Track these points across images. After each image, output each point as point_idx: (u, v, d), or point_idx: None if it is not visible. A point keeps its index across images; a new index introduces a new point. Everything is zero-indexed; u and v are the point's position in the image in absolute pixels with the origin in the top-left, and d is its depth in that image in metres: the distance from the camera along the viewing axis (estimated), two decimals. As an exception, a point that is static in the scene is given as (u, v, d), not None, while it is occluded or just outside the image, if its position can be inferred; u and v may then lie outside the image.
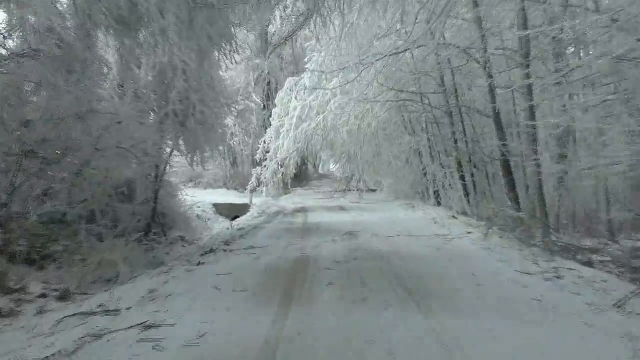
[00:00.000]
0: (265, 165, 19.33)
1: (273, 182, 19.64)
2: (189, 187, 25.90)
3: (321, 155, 55.11)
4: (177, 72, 9.08)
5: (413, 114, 17.36)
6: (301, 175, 38.10)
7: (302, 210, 15.46)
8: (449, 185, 15.98)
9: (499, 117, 12.84)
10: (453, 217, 12.64)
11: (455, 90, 14.35)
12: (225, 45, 8.07)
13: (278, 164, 18.65)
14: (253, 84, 26.28)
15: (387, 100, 15.18)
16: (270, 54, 27.35)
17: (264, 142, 20.96)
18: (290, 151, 18.27)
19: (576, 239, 9.07)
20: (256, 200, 18.48)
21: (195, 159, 10.26)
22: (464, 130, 14.50)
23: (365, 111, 16.51)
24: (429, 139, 16.94)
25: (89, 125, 7.32)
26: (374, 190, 21.94)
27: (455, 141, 15.50)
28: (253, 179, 20.92)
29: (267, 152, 20.42)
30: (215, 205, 15.98)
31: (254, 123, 25.52)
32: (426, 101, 16.16)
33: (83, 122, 7.19)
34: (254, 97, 25.73)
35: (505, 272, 6.13)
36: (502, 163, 12.67)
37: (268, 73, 27.22)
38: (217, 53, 8.34)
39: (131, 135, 7.77)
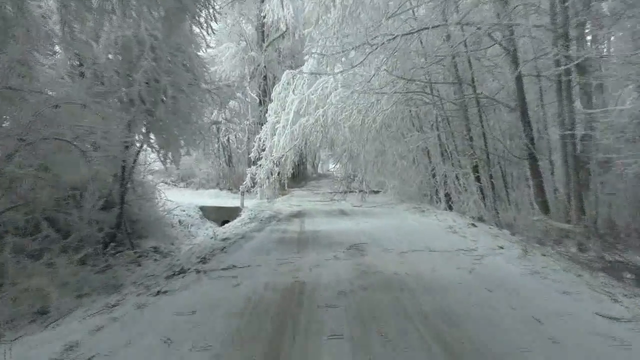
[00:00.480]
0: (260, 165, 17.52)
1: (268, 182, 17.83)
2: (180, 187, 24.11)
3: (320, 155, 53.35)
4: (145, 49, 7.25)
5: (423, 107, 15.56)
6: (299, 176, 36.27)
7: (299, 215, 13.64)
8: (463, 187, 14.19)
9: (527, 110, 11.06)
10: (472, 224, 10.83)
11: (473, 80, 12.54)
12: (200, 10, 6.24)
13: (273, 163, 16.83)
14: (248, 78, 24.44)
15: (394, 92, 13.36)
16: (267, 46, 25.54)
17: (259, 140, 19.15)
18: (287, 149, 16.45)
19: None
20: (249, 202, 16.65)
21: (169, 156, 8.41)
22: (482, 125, 12.70)
23: (369, 105, 14.69)
24: (439, 137, 15.15)
25: (19, 108, 5.50)
26: (376, 192, 20.08)
27: (471, 139, 13.72)
28: (247, 179, 19.15)
29: (263, 150, 18.61)
30: (202, 208, 14.17)
31: (250, 120, 23.68)
32: (436, 93, 14.37)
33: (9, 104, 5.37)
34: (249, 91, 23.89)
35: (580, 314, 4.30)
36: (530, 163, 10.89)
37: (265, 67, 25.39)
38: (189, 22, 6.51)
39: (76, 124, 5.92)
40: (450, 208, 14.91)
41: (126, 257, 8.13)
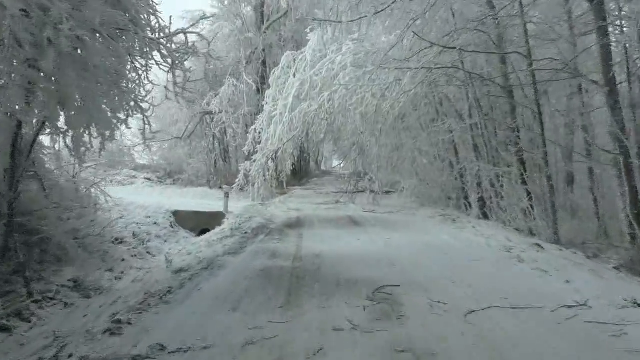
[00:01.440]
0: (254, 160, 14.33)
1: (264, 180, 14.64)
2: (167, 184, 20.96)
3: (323, 151, 50.04)
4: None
5: (451, 89, 12.34)
6: (301, 173, 33.00)
7: (297, 224, 10.42)
8: (505, 191, 10.95)
9: (614, 88, 7.81)
10: (537, 245, 7.58)
11: (529, 53, 9.26)
12: None
13: (268, 157, 13.61)
14: (245, 62, 21.21)
15: (421, 66, 10.08)
16: (267, 28, 22.30)
17: (254, 131, 15.93)
18: (284, 140, 13.21)
19: None
20: (240, 205, 13.47)
21: (82, 140, 5.17)
22: (538, 110, 9.43)
23: (387, 86, 11.44)
24: (473, 126, 11.90)
25: None
26: (388, 193, 16.84)
27: (517, 129, 10.49)
28: (240, 176, 16.01)
29: (258, 143, 15.40)
30: (175, 214, 10.97)
31: (245, 109, 20.46)
32: (471, 69, 11.12)
33: None
34: (246, 77, 20.67)
35: None
36: (622, 161, 7.64)
37: (263, 51, 22.16)
38: None
39: None
40: (485, 216, 11.69)
41: (12, 302, 4.95)
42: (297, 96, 13.51)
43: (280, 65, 15.87)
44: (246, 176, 15.55)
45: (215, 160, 21.55)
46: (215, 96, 20.10)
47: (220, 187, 19.64)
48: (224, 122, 20.09)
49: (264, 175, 14.91)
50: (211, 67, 22.53)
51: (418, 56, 10.05)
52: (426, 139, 13.97)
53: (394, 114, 11.80)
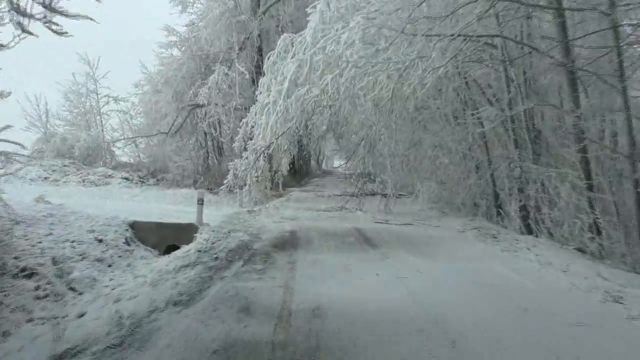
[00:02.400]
0: (246, 157, 11.63)
1: (255, 181, 11.99)
2: (149, 185, 18.27)
3: (325, 150, 47.27)
4: None
5: (483, 68, 9.69)
6: (300, 172, 30.25)
7: (290, 242, 7.65)
8: (562, 199, 8.27)
9: None
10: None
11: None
12: None
13: (258, 154, 10.90)
14: (237, 48, 18.47)
15: (458, 34, 7.35)
16: (264, 12, 19.58)
17: (246, 125, 13.23)
18: (279, 133, 10.50)
19: None
20: (222, 213, 10.80)
21: None
22: (623, 91, 6.72)
23: (408, 65, 8.72)
24: (514, 118, 9.23)
25: None
26: (399, 197, 14.10)
27: (580, 117, 7.78)
28: (230, 176, 13.32)
29: (250, 139, 12.73)
30: (134, 226, 8.28)
31: (237, 100, 17.75)
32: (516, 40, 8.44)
33: None
34: (238, 66, 17.95)
35: None
36: None
37: (259, 37, 19.44)
38: None
39: None
40: (529, 230, 9.03)
41: None
42: (293, 81, 10.76)
43: (276, 50, 13.14)
44: (236, 176, 12.88)
45: (204, 158, 18.86)
46: (203, 86, 17.40)
47: (209, 189, 17.00)
48: (212, 116, 17.37)
49: (256, 176, 12.33)
50: (198, 53, 19.97)
51: (453, 18, 7.36)
52: (450, 133, 11.29)
53: (416, 100, 9.08)
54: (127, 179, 16.86)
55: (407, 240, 7.83)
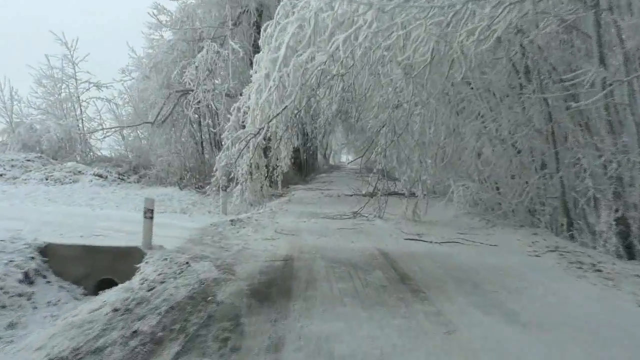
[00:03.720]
0: (227, 148, 8.64)
1: (249, 180, 9.11)
2: (129, 182, 15.36)
3: (332, 143, 44.10)
4: None
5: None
6: (306, 167, 27.21)
7: (281, 284, 4.52)
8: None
9: None
10: None
11: None
12: None
13: (244, 144, 7.91)
14: (231, 23, 15.46)
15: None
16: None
17: (237, 110, 10.26)
18: (270, 116, 7.49)
19: None
20: (196, 225, 7.87)
21: None
22: None
23: (458, 12, 5.68)
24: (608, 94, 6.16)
25: None
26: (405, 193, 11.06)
27: None
28: (218, 174, 10.46)
29: (243, 126, 9.77)
30: (49, 252, 5.37)
31: (230, 83, 14.76)
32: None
33: None
34: (231, 42, 14.93)
35: None
36: None
37: (257, 10, 16.44)
38: None
39: None
40: (630, 253, 6.05)
41: None
42: (292, 47, 7.72)
43: (274, 19, 10.10)
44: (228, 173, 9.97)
45: (196, 152, 15.93)
46: (189, 65, 14.43)
47: (198, 188, 14.09)
48: (200, 102, 14.39)
49: (249, 172, 9.47)
50: (191, 33, 16.99)
51: None
52: (501, 117, 8.25)
53: (469, 64, 6.03)
54: (100, 175, 13.96)
55: (466, 278, 4.81)
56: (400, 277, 4.82)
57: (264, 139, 9.46)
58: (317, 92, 7.38)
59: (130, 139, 19.02)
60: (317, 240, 6.93)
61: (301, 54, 7.26)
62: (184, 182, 14.38)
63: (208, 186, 10.52)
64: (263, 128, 7.48)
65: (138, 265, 5.12)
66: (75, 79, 18.07)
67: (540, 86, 7.62)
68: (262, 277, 4.77)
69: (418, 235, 7.41)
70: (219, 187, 9.11)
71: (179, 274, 4.71)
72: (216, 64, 14.62)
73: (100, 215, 7.79)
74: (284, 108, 7.32)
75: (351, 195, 14.26)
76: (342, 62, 6.91)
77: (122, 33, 20.74)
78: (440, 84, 6.78)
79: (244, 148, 7.74)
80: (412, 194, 9.33)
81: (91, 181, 13.50)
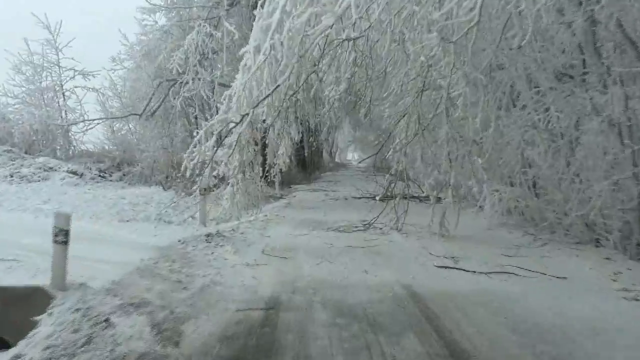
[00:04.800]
0: (198, 140, 6.69)
1: (242, 179, 7.32)
2: (112, 180, 13.49)
3: (338, 140, 42.05)
4: None
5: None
6: (311, 165, 25.31)
7: None
8: None
9: None
10: None
11: None
12: None
13: (221, 137, 5.99)
14: (226, 3, 13.48)
15: None
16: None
17: (229, 99, 8.33)
18: (258, 98, 5.57)
19: None
20: (157, 240, 5.97)
21: None
22: None
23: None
24: None
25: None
26: (431, 200, 9.06)
27: None
28: (205, 175, 8.59)
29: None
30: None
31: (224, 70, 12.81)
32: None
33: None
34: (227, 24, 12.97)
35: None
36: None
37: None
38: None
39: None
40: None
41: None
42: (289, 12, 5.77)
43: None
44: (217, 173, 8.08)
45: (182, 147, 14.01)
46: (178, 49, 12.50)
47: (185, 188, 12.17)
48: (188, 90, 12.47)
49: (244, 173, 7.67)
50: (180, 10, 15.10)
51: None
52: (562, 104, 6.27)
53: (527, 28, 4.07)
54: (74, 173, 12.09)
55: (559, 356, 2.88)
56: (450, 354, 2.87)
57: (260, 132, 7.64)
58: (320, 67, 5.43)
59: (122, 132, 17.18)
60: (318, 267, 4.98)
61: (300, 15, 5.34)
62: (169, 181, 12.47)
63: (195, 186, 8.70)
64: (247, 115, 5.54)
65: (39, 318, 3.23)
66: (59, 66, 16.20)
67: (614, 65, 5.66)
68: (224, 352, 2.84)
69: (453, 260, 5.45)
70: (199, 189, 7.21)
71: (84, 345, 2.79)
72: (209, 48, 12.68)
73: (36, 227, 5.88)
74: (276, 87, 5.37)
75: (359, 198, 12.34)
76: (354, 24, 4.96)
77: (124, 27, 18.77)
78: (488, 56, 4.81)
79: (221, 140, 5.82)
80: (438, 200, 7.36)
81: (63, 179, 11.64)
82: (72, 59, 16.39)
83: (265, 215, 9.12)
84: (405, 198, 7.42)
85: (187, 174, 5.64)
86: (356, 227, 7.60)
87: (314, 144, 19.00)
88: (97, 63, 19.62)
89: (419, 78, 5.42)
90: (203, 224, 7.29)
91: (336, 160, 46.79)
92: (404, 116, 6.37)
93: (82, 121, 14.60)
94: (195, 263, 4.82)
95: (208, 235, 6.14)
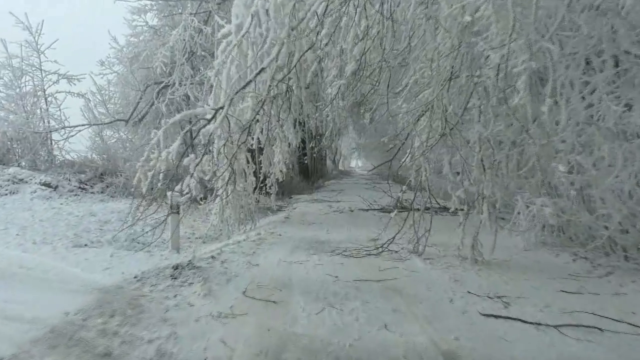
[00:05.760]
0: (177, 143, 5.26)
1: (233, 190, 6.02)
2: (92, 192, 12.09)
3: (341, 145, 40.61)
4: None
5: None
6: (314, 173, 23.88)
7: None
8: None
9: None
10: None
11: None
12: None
13: (192, 131, 4.60)
14: (218, -4, 12.19)
15: None
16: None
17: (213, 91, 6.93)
18: (237, 87, 4.15)
19: None
20: (106, 278, 4.51)
21: None
22: None
23: None
24: None
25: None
26: (453, 212, 7.56)
27: None
28: (187, 181, 7.19)
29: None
30: None
31: (215, 70, 11.45)
32: None
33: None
34: (218, 19, 11.60)
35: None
36: None
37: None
38: None
39: None
40: None
41: None
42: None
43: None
44: (202, 182, 6.70)
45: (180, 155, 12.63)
46: (162, 45, 11.15)
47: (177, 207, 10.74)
48: (172, 93, 11.09)
49: (234, 183, 6.50)
50: (170, 8, 13.78)
51: None
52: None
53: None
54: (48, 185, 10.69)
55: None
56: None
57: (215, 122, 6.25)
58: (319, 41, 3.98)
59: (112, 140, 15.84)
60: (318, 318, 3.52)
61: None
62: (153, 193, 11.03)
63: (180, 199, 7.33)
64: (222, 108, 4.11)
65: None
66: (41, 70, 14.89)
67: None
68: None
69: (502, 302, 3.97)
70: (170, 206, 5.79)
71: None
72: (197, 45, 11.30)
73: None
74: (260, 71, 3.94)
75: (367, 210, 10.91)
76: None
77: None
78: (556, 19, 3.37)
79: (191, 142, 4.43)
80: (466, 212, 5.87)
81: (34, 192, 10.25)
82: (56, 61, 15.10)
83: (259, 234, 7.69)
84: (428, 210, 5.94)
85: (143, 188, 4.21)
86: (367, 249, 6.14)
87: (317, 151, 17.57)
88: (81, 65, 18.16)
89: (451, 57, 3.96)
90: (175, 249, 5.85)
91: (340, 167, 45.41)
92: (427, 110, 4.91)
93: (62, 128, 13.25)
94: (145, 316, 3.37)
95: (176, 267, 4.68)
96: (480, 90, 4.86)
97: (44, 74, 15.06)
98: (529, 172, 5.49)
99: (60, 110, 13.82)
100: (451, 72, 4.54)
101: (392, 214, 6.05)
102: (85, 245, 5.94)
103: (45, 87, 15.02)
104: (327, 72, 5.01)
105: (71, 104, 15.18)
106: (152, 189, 5.01)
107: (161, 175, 4.42)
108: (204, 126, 4.30)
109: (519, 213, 6.78)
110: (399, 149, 5.57)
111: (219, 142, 7.68)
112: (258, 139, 8.49)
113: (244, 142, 5.09)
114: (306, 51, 3.90)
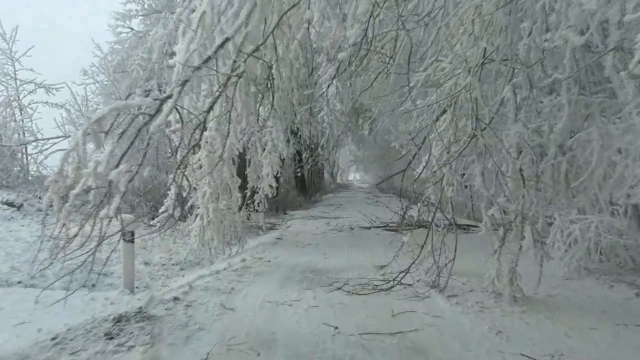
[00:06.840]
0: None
1: (214, 208, 4.83)
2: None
3: (338, 158, 39.49)
4: None
5: None
6: (312, 187, 22.65)
7: None
8: None
9: None
10: None
11: None
12: None
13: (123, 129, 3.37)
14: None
15: None
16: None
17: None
18: (193, 66, 2.95)
19: None
20: (14, 344, 3.21)
21: None
22: None
23: None
24: None
25: None
26: (470, 230, 6.26)
27: None
28: (169, 199, 6.10)
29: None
30: None
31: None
32: None
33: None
34: None
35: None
36: None
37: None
38: None
39: None
40: None
41: None
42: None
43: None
44: (179, 197, 5.48)
45: (151, 169, 11.36)
46: (140, 45, 10.00)
47: (152, 218, 9.52)
48: (150, 94, 9.90)
49: (217, 199, 5.37)
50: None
51: None
52: None
53: None
54: (10, 204, 9.44)
55: None
56: None
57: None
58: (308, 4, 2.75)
59: (94, 155, 14.63)
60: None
61: None
62: (135, 211, 9.82)
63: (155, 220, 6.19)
64: (170, 97, 2.88)
65: None
66: (15, 79, 13.74)
67: None
68: None
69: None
70: (121, 233, 4.53)
71: None
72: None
73: None
74: (224, 42, 2.72)
75: (369, 228, 9.67)
76: None
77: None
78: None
79: (132, 144, 3.21)
80: (502, 236, 4.62)
81: (-5, 212, 8.98)
82: (32, 70, 13.95)
83: (244, 260, 6.44)
84: (452, 229, 4.67)
85: (55, 206, 2.99)
86: (373, 282, 4.87)
87: (312, 162, 16.38)
88: (58, 73, 16.83)
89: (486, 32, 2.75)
90: (128, 289, 4.56)
91: (337, 181, 44.21)
92: (451, 105, 3.70)
93: (34, 141, 12.04)
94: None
95: (119, 319, 3.41)
96: (520, 79, 3.67)
97: (18, 83, 13.93)
98: (580, 185, 4.27)
99: (31, 121, 12.58)
100: (484, 53, 3.34)
101: (405, 238, 4.79)
102: (18, 283, 4.69)
103: (20, 97, 13.86)
104: (320, 55, 3.79)
105: (47, 115, 14.00)
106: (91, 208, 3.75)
107: (91, 193, 3.17)
108: (146, 123, 3.08)
109: (556, 234, 5.59)
110: (414, 155, 4.33)
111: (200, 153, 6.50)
112: (244, 147, 7.28)
113: (198, 142, 3.84)
114: (287, 11, 2.67)
